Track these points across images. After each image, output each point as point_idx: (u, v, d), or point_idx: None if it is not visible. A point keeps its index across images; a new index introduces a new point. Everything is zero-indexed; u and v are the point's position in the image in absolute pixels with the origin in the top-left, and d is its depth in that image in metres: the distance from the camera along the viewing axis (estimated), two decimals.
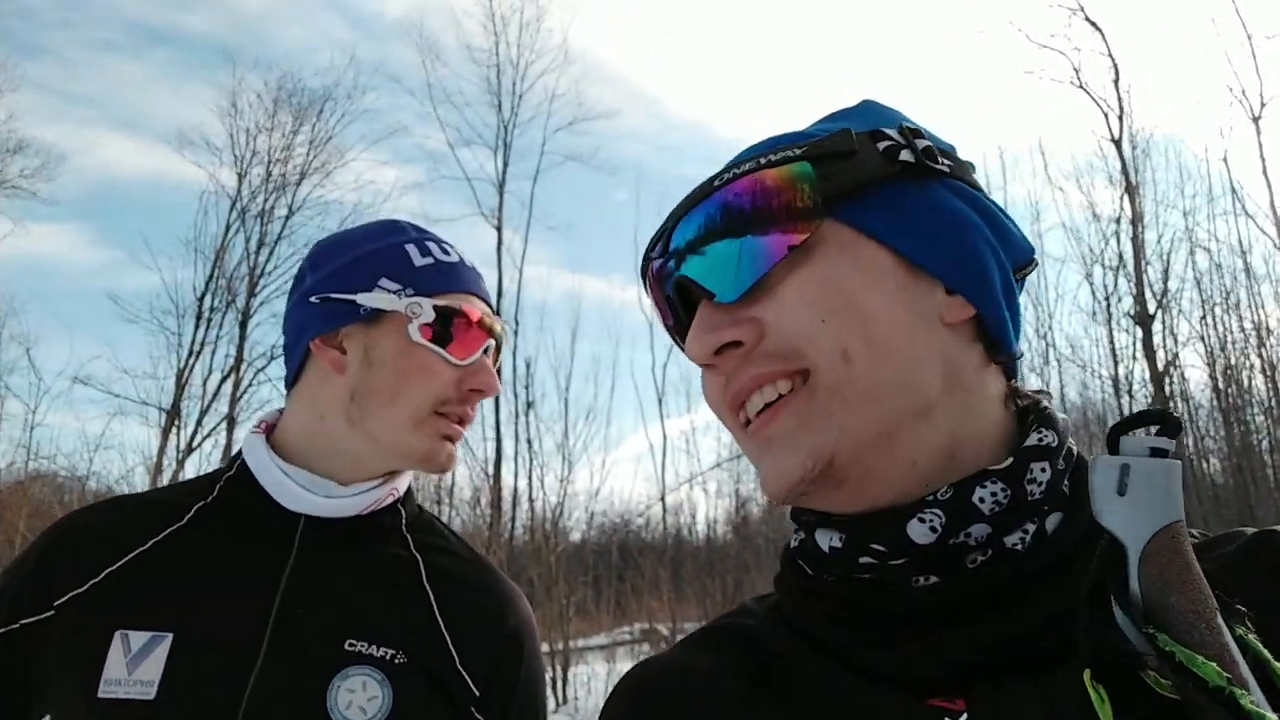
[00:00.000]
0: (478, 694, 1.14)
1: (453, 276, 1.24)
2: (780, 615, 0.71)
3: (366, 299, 1.18)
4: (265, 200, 15.85)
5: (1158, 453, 0.56)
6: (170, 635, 1.06)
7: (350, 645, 1.09)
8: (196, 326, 14.64)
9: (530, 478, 15.14)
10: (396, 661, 1.10)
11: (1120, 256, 12.29)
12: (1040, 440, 0.64)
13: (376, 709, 1.07)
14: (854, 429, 0.62)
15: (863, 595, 0.63)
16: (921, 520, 0.60)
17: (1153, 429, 0.59)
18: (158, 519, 1.17)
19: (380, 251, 1.23)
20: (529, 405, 15.23)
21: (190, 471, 13.97)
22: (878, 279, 0.64)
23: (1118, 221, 12.37)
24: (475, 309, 1.22)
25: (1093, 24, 13.09)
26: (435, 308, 1.18)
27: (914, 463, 0.63)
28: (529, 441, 15.12)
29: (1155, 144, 12.67)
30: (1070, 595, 0.55)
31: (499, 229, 16.16)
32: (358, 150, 16.56)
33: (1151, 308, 11.89)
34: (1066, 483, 0.64)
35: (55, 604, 1.10)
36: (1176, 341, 11.94)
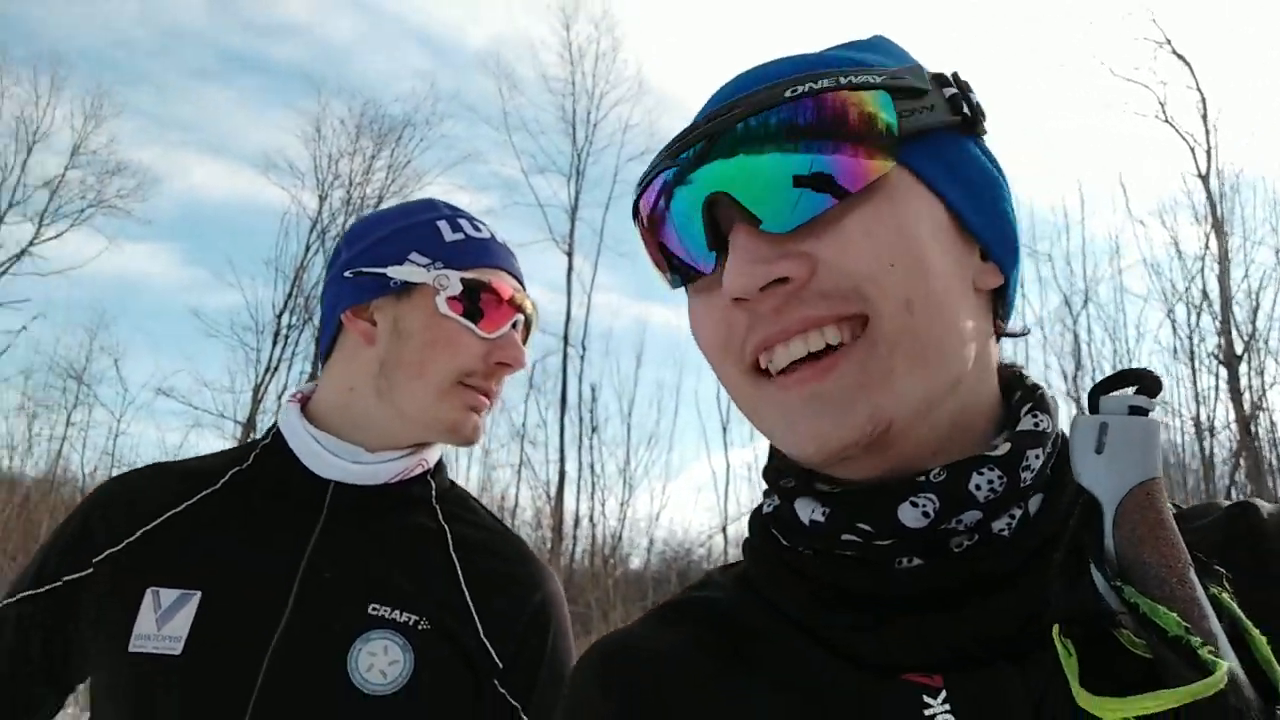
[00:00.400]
0: (501, 666, 1.13)
1: (482, 251, 1.24)
2: (748, 585, 0.67)
3: (396, 272, 1.20)
4: (345, 222, 16.33)
5: (1137, 411, 0.55)
6: (199, 593, 1.08)
7: (374, 609, 1.09)
8: (274, 343, 15.12)
9: (593, 501, 15.17)
10: (419, 628, 1.10)
11: (1205, 294, 11.88)
12: (1036, 425, 0.61)
13: (397, 673, 1.07)
14: (910, 393, 0.57)
15: (842, 574, 0.60)
16: (914, 504, 0.57)
17: (1133, 389, 0.58)
18: (194, 483, 1.20)
19: (412, 227, 1.25)
20: (593, 429, 15.30)
21: None
22: (936, 231, 0.60)
23: (1203, 259, 11.97)
24: (505, 284, 1.22)
25: (1180, 57, 12.79)
26: (463, 280, 1.19)
27: (933, 430, 0.60)
28: (591, 465, 15.18)
29: (1244, 180, 12.23)
30: (1052, 578, 0.54)
31: (570, 255, 16.36)
32: (434, 175, 16.99)
33: (1239, 348, 11.45)
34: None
35: (94, 561, 1.13)
36: (1264, 382, 11.47)
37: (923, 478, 0.58)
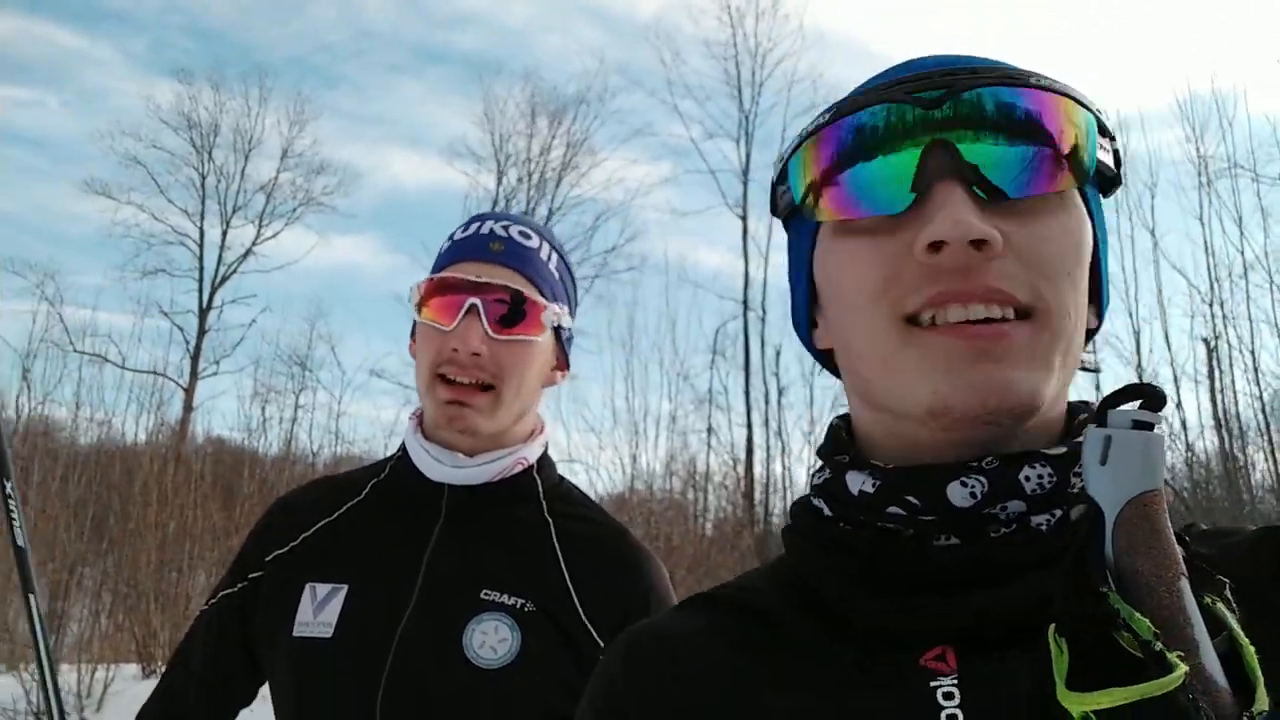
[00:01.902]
0: (601, 644, 1.24)
1: (456, 250, 1.36)
2: (778, 574, 0.71)
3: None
4: (528, 201, 16.96)
5: (1140, 425, 0.57)
6: (345, 586, 1.29)
7: (485, 594, 1.26)
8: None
9: (781, 466, 15.13)
10: (525, 610, 1.25)
11: None
12: None
13: (506, 649, 1.22)
14: (1054, 386, 0.62)
15: (879, 546, 0.63)
16: (964, 484, 0.60)
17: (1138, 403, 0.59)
18: (343, 495, 1.41)
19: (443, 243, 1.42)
20: (780, 392, 15.22)
21: None
22: (1085, 260, 0.65)
23: None
24: (457, 275, 1.30)
25: None
26: (420, 284, 1.33)
27: (1030, 430, 0.63)
28: (779, 429, 15.12)
29: None
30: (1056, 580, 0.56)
31: (744, 219, 16.28)
32: (609, 149, 17.34)
33: None
34: None
35: (265, 561, 1.37)
36: None
37: (976, 463, 0.61)
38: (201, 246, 18.17)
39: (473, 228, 1.37)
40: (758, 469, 15.16)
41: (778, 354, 15.48)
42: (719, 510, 15.67)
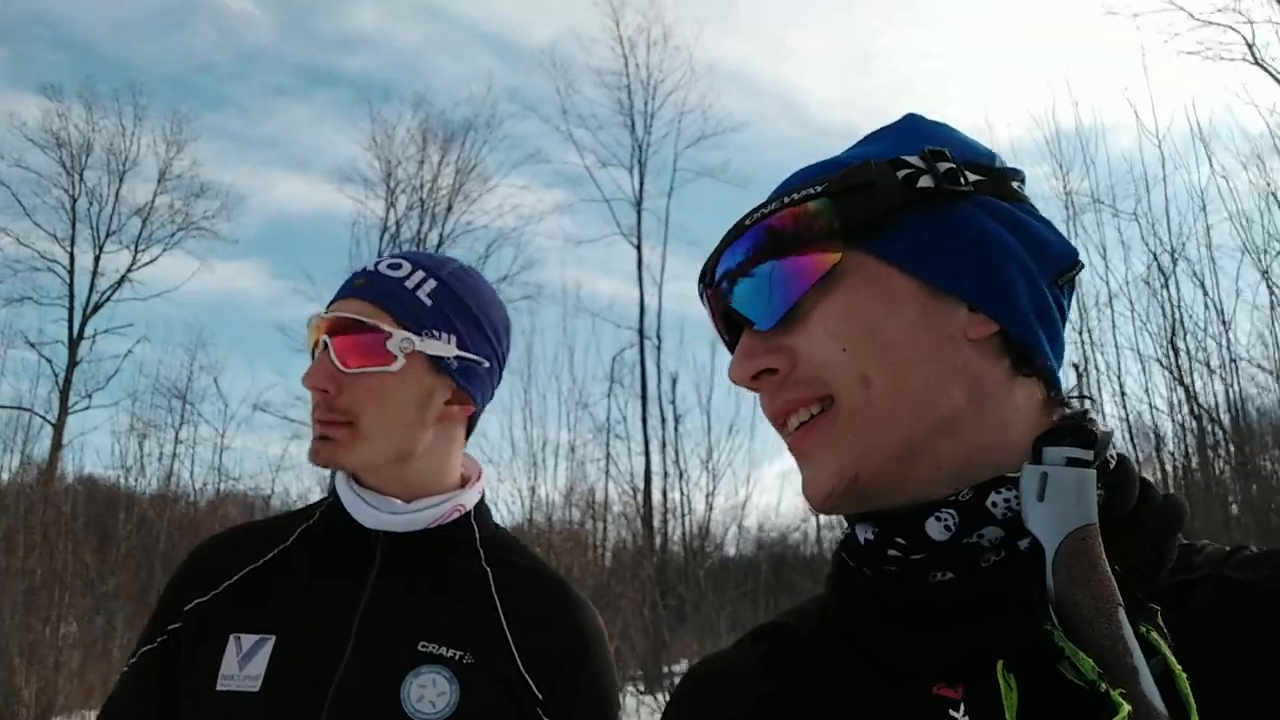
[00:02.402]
0: (541, 697, 1.24)
1: (339, 288, 1.35)
2: (823, 611, 0.76)
3: None
4: (419, 227, 16.72)
5: (1074, 462, 0.61)
6: (274, 636, 1.23)
7: (423, 646, 1.22)
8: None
9: (680, 492, 15.25)
10: (465, 662, 1.22)
11: None
12: None
13: (445, 704, 1.19)
14: (876, 449, 0.67)
15: (886, 588, 0.68)
16: (938, 519, 0.65)
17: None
18: (270, 540, 1.34)
19: None
20: (676, 420, 15.37)
21: None
22: (898, 305, 0.68)
23: None
24: (317, 318, 1.31)
25: None
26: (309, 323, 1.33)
27: (939, 468, 0.67)
28: (676, 457, 15.25)
29: None
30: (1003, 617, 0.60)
31: (639, 247, 16.46)
32: (499, 176, 17.27)
33: None
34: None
35: (185, 610, 1.28)
36: None
37: (953, 496, 0.66)
38: (72, 273, 17.23)
39: (354, 273, 1.35)
40: (656, 496, 15.27)
41: (674, 382, 15.66)
42: (618, 540, 15.67)
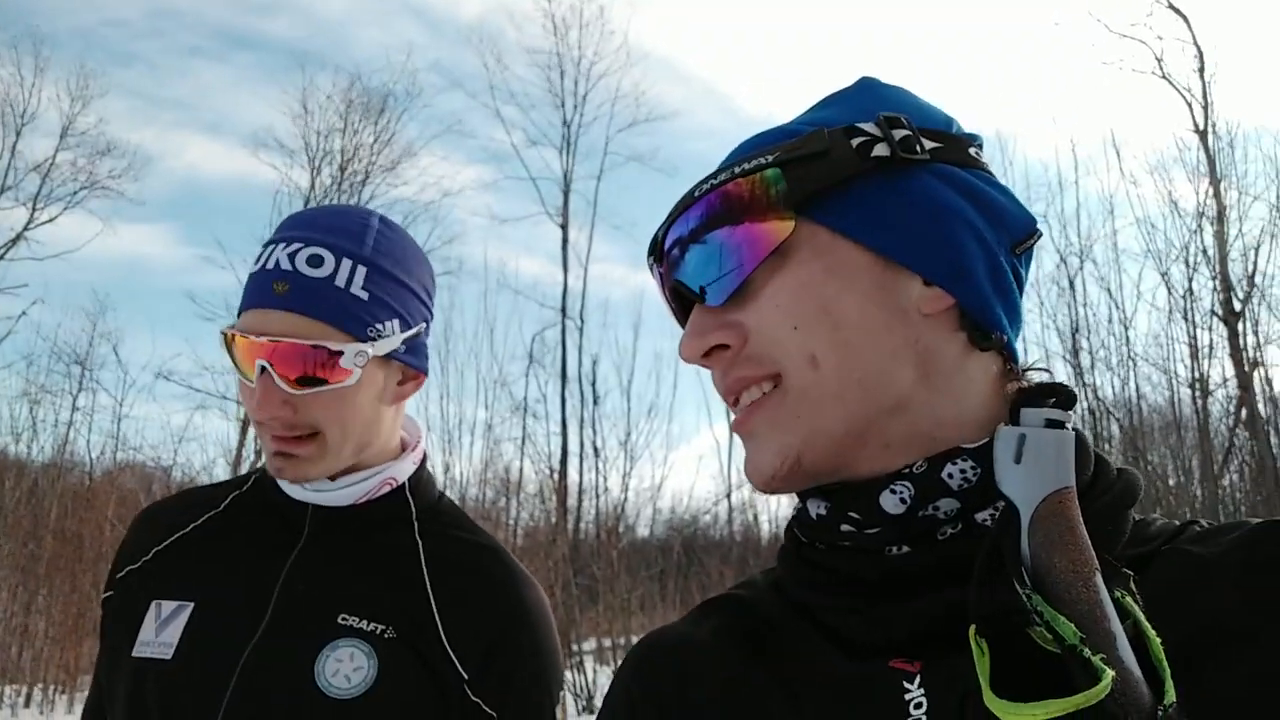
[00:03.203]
0: (467, 676, 1.18)
1: (248, 293, 1.20)
2: (777, 586, 0.75)
3: None
4: (338, 199, 16.28)
5: (1053, 424, 0.60)
6: (191, 604, 1.20)
7: (343, 619, 1.18)
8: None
9: (596, 473, 15.27)
10: (385, 636, 1.18)
11: (1205, 252, 11.85)
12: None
13: (361, 678, 1.14)
14: (822, 430, 0.65)
15: (842, 563, 0.67)
16: (893, 491, 0.64)
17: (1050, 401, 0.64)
18: (202, 507, 1.32)
19: None
20: (595, 401, 15.36)
21: None
22: (851, 280, 0.66)
23: (1199, 216, 11.94)
24: (247, 327, 1.17)
25: (1177, 11, 12.66)
26: (224, 332, 1.19)
27: (887, 446, 0.66)
28: (594, 438, 15.25)
29: (1240, 135, 12.12)
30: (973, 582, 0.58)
31: (564, 227, 16.34)
32: (421, 146, 16.91)
33: (1236, 305, 11.46)
34: None
35: (116, 578, 1.29)
36: (1260, 339, 11.49)
37: (907, 469, 0.65)
38: None
39: (264, 257, 1.19)
40: (572, 476, 15.24)
41: (594, 363, 15.63)
42: (532, 519, 15.62)
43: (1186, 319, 11.83)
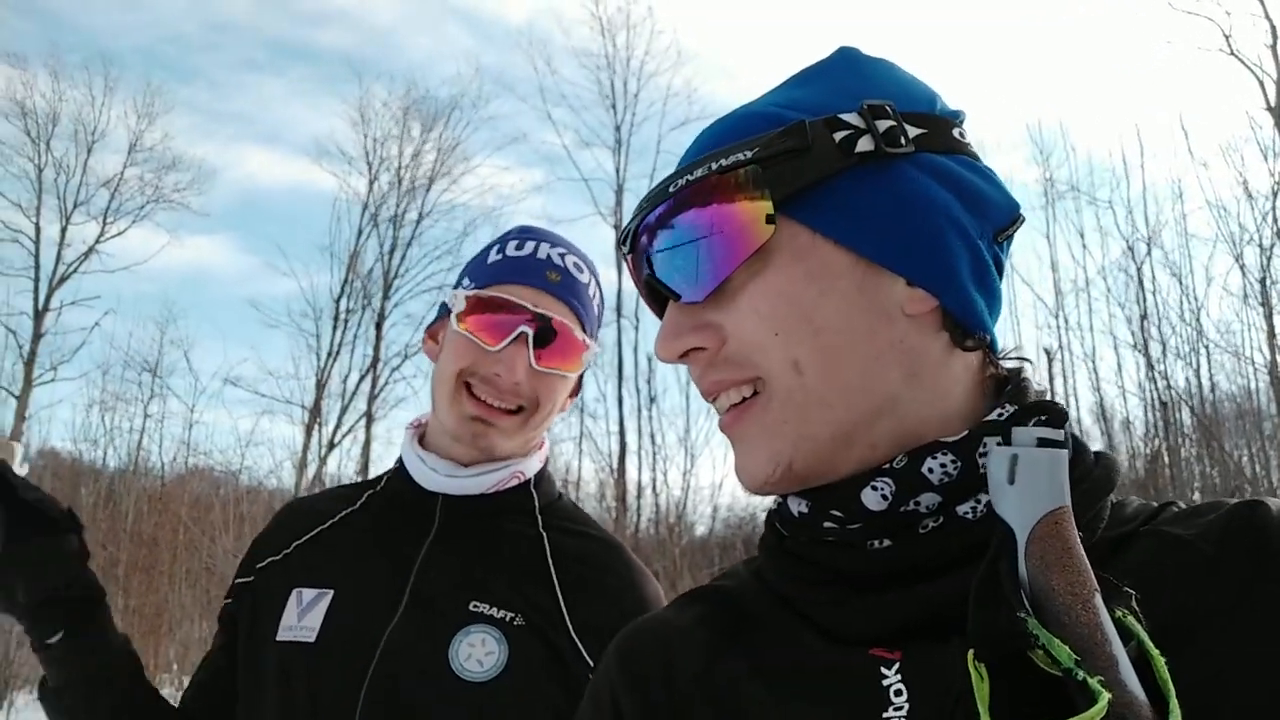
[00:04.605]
0: (592, 664, 1.22)
1: (510, 269, 1.34)
2: (759, 575, 0.75)
3: (448, 295, 1.37)
4: (397, 205, 16.56)
5: (1045, 443, 0.59)
6: (332, 591, 1.28)
7: (474, 606, 1.24)
8: (334, 328, 15.40)
9: (654, 471, 15.28)
10: (515, 623, 1.23)
11: (1278, 234, 11.42)
12: (999, 416, 0.64)
13: (493, 663, 1.20)
14: (810, 435, 0.64)
15: (824, 556, 0.67)
16: (874, 488, 0.63)
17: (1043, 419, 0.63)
18: (340, 504, 1.41)
19: (477, 253, 1.43)
20: (651, 400, 15.37)
21: (332, 466, 14.76)
22: (832, 283, 0.64)
23: (1274, 197, 11.50)
24: (515, 297, 1.29)
25: None
26: (468, 298, 1.31)
27: (874, 448, 0.65)
28: (652, 436, 15.27)
29: None
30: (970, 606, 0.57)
31: (617, 228, 16.35)
32: (482, 156, 17.11)
33: None
34: None
35: (256, 568, 1.38)
36: None
37: (887, 465, 0.64)
38: (38, 244, 16.84)
39: (528, 247, 1.35)
40: (631, 474, 15.28)
41: (650, 362, 15.63)
42: (593, 516, 15.70)
43: (1263, 304, 11.40)
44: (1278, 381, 11.11)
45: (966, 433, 0.63)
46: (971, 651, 0.53)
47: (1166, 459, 11.78)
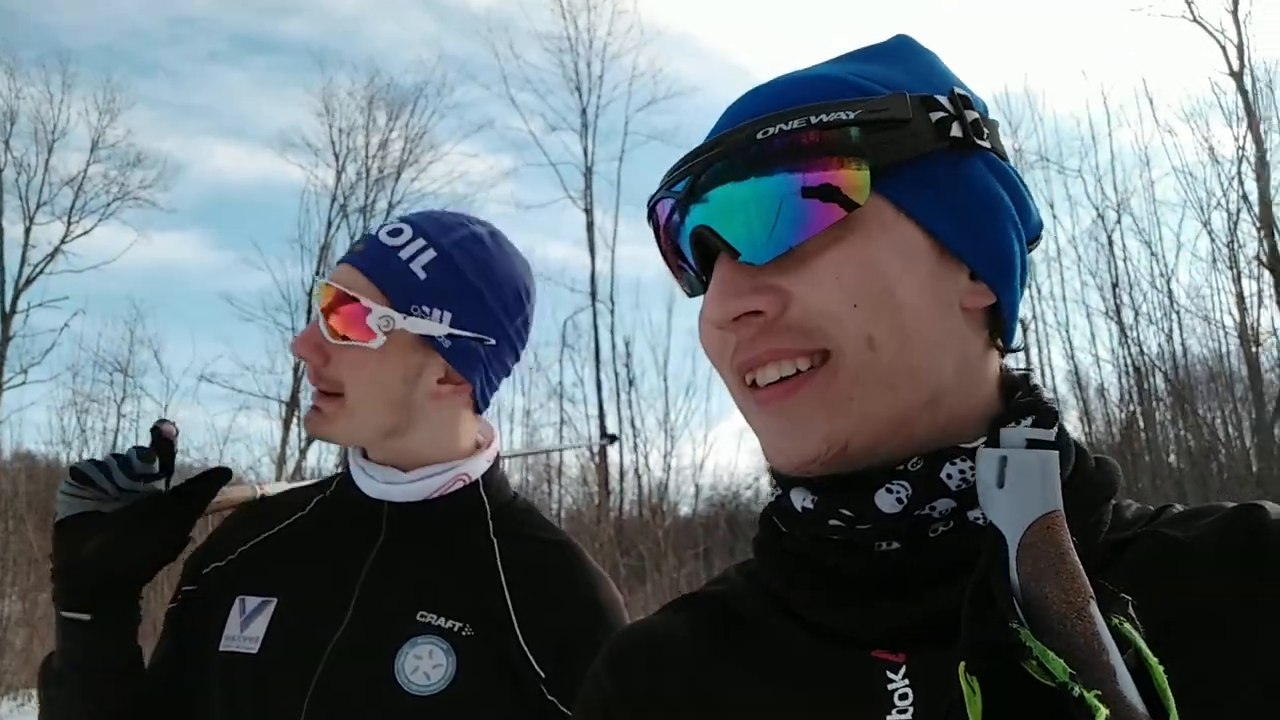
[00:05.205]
0: (543, 675, 1.17)
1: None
2: (751, 576, 0.73)
3: None
4: (366, 196, 16.39)
5: (1035, 444, 0.56)
6: (275, 599, 1.23)
7: (422, 616, 1.19)
8: (309, 321, 15.24)
9: (636, 454, 15.29)
10: (463, 634, 1.18)
11: (1245, 198, 11.57)
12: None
13: (440, 675, 1.15)
14: (873, 416, 0.62)
15: (828, 556, 0.65)
16: (889, 491, 0.61)
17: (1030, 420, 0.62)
18: (289, 509, 1.35)
19: None
20: (630, 383, 15.37)
21: (312, 460, 14.66)
22: (912, 263, 0.63)
23: (1239, 161, 11.64)
24: (331, 273, 1.27)
25: None
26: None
27: (911, 439, 0.63)
28: (632, 419, 15.28)
29: (1278, 75, 11.77)
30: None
31: (589, 211, 16.29)
32: (450, 142, 16.96)
33: None
34: None
35: (202, 574, 1.32)
36: None
37: (902, 467, 0.62)
38: (1, 245, 16.56)
39: (357, 239, 1.32)
40: (612, 458, 15.27)
41: (628, 345, 15.62)
42: (575, 502, 15.70)
43: (1231, 267, 11.56)
44: (1247, 344, 11.29)
45: (984, 440, 0.61)
46: (963, 664, 0.51)
47: (1141, 423, 11.95)
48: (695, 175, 0.65)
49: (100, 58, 24.04)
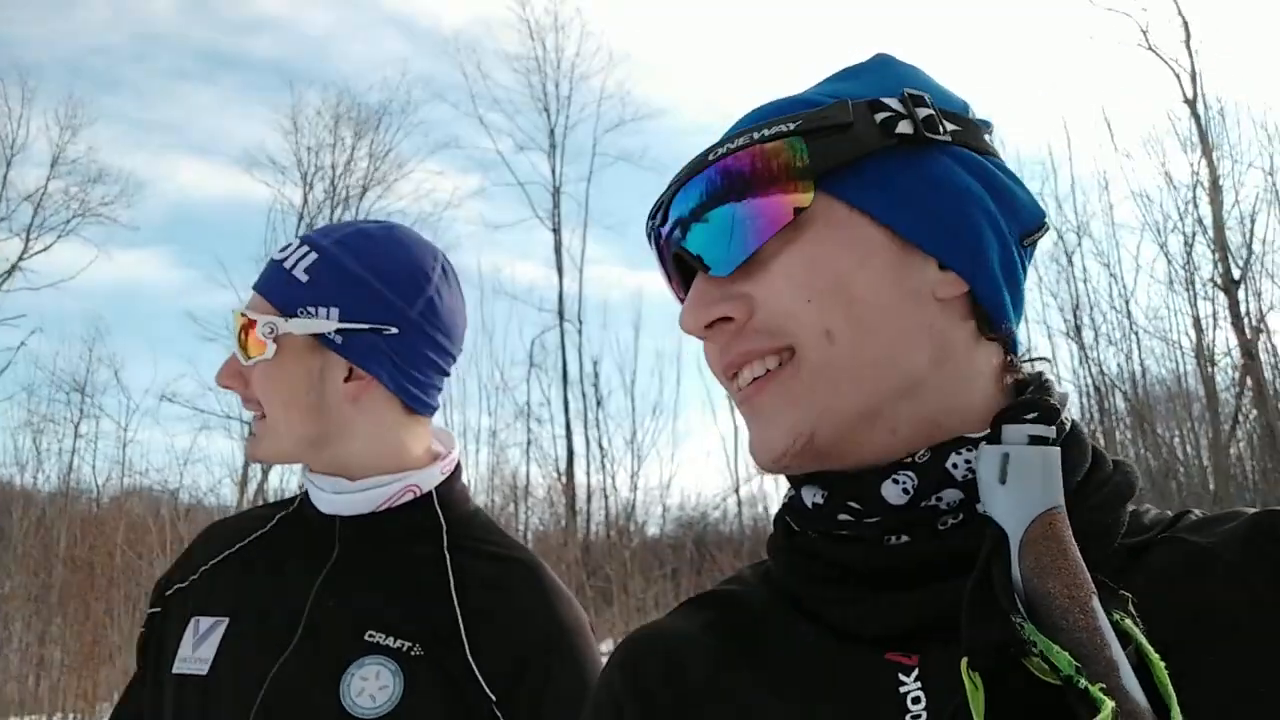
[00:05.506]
0: (494, 696, 1.14)
1: None
2: (768, 579, 0.73)
3: None
4: (331, 214, 16.27)
5: (1037, 440, 0.58)
6: (227, 620, 1.21)
7: (370, 636, 1.16)
8: None
9: (603, 474, 15.24)
10: (412, 654, 1.15)
11: (1199, 222, 11.82)
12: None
13: (386, 697, 1.12)
14: (836, 408, 0.63)
15: (839, 551, 0.65)
16: (895, 481, 0.62)
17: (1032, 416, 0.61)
18: (251, 527, 1.34)
19: None
20: (598, 403, 15.34)
21: (274, 481, 14.45)
22: (867, 257, 0.64)
23: (1194, 187, 11.90)
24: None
25: None
26: None
27: (894, 432, 0.64)
28: (599, 439, 15.23)
29: (1230, 104, 12.10)
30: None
31: (556, 231, 16.32)
32: (417, 160, 16.91)
33: (1236, 273, 11.42)
34: None
35: (165, 595, 1.31)
36: (1262, 306, 11.45)
37: (909, 459, 0.63)
38: None
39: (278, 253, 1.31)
40: (579, 478, 15.21)
41: (595, 365, 15.60)
42: (542, 522, 15.60)
43: (1188, 289, 11.79)
44: (1204, 364, 11.49)
45: (989, 430, 0.62)
46: (965, 660, 0.52)
47: (1102, 441, 12.10)
48: (664, 204, 0.71)
49: (63, 73, 23.81)
